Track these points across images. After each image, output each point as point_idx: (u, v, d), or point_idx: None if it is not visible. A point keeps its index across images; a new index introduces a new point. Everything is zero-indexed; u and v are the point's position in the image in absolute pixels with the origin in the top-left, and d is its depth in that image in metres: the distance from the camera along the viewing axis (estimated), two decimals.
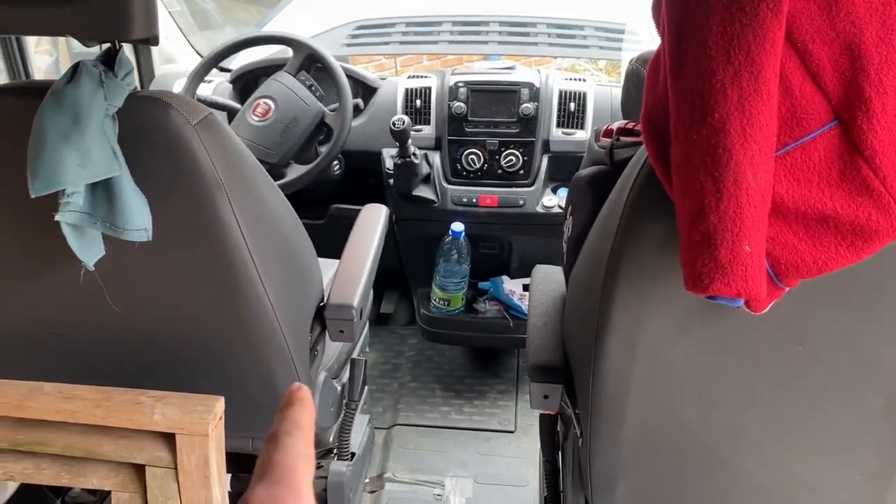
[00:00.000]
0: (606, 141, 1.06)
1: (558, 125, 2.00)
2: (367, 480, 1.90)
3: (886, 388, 0.88)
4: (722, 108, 0.67)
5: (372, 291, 1.74)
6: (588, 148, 1.15)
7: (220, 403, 1.04)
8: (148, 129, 0.94)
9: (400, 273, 2.40)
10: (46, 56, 2.46)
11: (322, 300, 1.31)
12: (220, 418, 1.05)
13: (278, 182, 1.81)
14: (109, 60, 0.94)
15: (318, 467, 1.53)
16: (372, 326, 2.66)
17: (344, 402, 1.49)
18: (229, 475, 1.45)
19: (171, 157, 0.95)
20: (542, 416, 1.33)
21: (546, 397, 1.11)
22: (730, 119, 0.67)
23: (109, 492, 1.07)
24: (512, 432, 2.12)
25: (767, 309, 0.80)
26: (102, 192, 0.92)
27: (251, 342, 1.11)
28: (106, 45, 0.95)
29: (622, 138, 1.05)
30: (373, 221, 1.51)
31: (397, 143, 1.91)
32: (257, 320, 1.08)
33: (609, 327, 0.90)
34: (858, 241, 0.74)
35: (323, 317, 1.28)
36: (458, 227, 1.99)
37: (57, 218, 0.90)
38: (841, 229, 0.73)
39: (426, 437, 2.09)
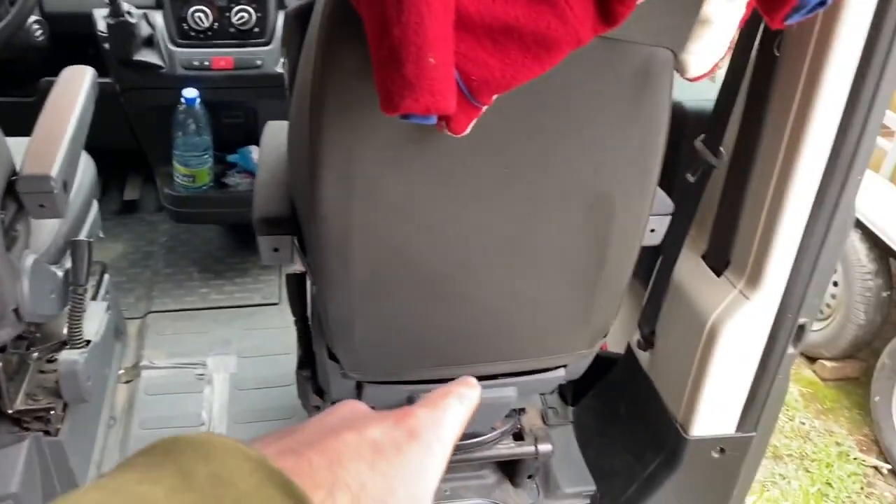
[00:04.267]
0: None
1: None
2: (121, 371, 1.79)
3: (583, 201, 0.95)
4: None
5: (93, 169, 1.57)
6: None
7: None
8: None
9: (139, 153, 2.20)
10: None
11: (15, 174, 1.15)
12: None
13: None
14: None
15: (51, 361, 1.41)
16: (118, 216, 2.45)
17: (70, 288, 1.35)
18: None
19: None
20: (288, 276, 1.30)
21: (276, 250, 1.08)
22: None
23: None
24: (276, 304, 2.09)
25: (468, 131, 0.81)
26: None
27: None
28: None
29: None
30: (73, 85, 1.32)
31: (107, 1, 1.69)
32: None
33: (322, 165, 0.87)
34: (542, 51, 0.75)
35: (16, 191, 1.12)
36: (190, 93, 1.83)
37: None
38: (524, 40, 0.74)
39: (185, 321, 2.00)
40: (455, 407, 0.39)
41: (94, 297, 1.63)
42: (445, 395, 0.40)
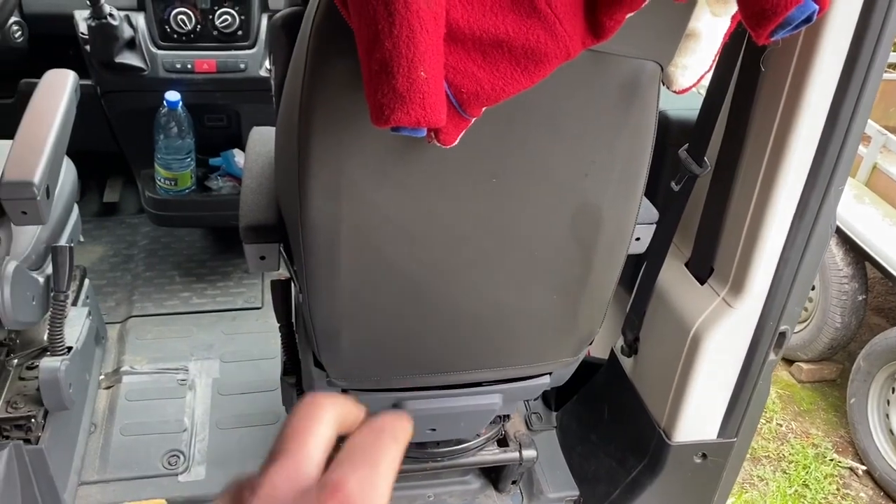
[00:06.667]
0: None
1: None
2: (101, 377, 1.77)
3: (570, 210, 0.95)
4: None
5: (74, 173, 1.56)
6: None
7: None
8: None
9: (119, 155, 2.18)
10: None
11: None
12: None
13: None
14: None
15: (31, 367, 1.39)
16: (97, 218, 2.43)
17: (52, 294, 1.33)
18: None
19: None
20: (273, 283, 1.29)
21: (263, 258, 1.07)
22: None
23: None
24: (259, 308, 2.07)
25: (457, 142, 0.81)
26: None
27: None
28: None
29: None
30: (56, 89, 1.31)
31: (89, 2, 1.67)
32: None
33: (310, 175, 0.86)
34: (531, 64, 0.76)
35: None
36: (172, 96, 1.82)
37: None
38: (514, 53, 0.75)
39: (166, 325, 1.98)
40: (391, 450, 0.37)
41: (74, 303, 1.62)
42: (380, 432, 0.38)
